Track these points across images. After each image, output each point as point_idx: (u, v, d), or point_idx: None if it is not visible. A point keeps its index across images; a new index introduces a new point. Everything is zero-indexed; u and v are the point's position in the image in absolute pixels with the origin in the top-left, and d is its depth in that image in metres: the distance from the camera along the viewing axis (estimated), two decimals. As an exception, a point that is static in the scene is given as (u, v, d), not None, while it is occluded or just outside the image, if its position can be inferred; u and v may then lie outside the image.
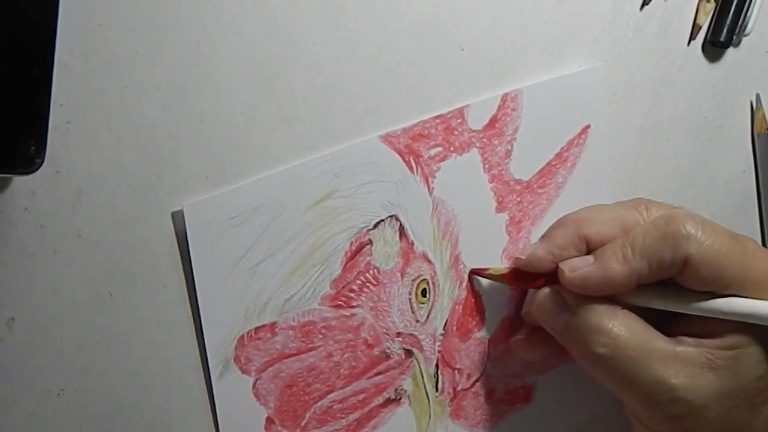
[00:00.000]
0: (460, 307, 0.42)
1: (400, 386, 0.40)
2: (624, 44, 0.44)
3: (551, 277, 0.39)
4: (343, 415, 0.38)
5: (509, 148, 0.43)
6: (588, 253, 0.38)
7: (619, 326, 0.36)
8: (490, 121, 0.42)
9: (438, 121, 0.40)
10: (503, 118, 0.42)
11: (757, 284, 0.36)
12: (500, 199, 0.43)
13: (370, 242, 0.38)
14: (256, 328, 0.35)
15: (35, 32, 0.30)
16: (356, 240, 0.38)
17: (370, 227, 0.38)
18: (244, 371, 0.35)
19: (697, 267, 0.36)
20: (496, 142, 0.42)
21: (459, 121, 0.41)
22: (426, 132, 0.40)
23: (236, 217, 0.35)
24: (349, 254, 0.38)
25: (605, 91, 0.44)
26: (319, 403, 0.37)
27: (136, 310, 0.35)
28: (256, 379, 0.36)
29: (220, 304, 0.35)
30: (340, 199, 0.37)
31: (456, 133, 0.41)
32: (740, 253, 0.36)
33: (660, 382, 0.35)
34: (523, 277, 0.41)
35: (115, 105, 0.34)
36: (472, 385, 0.42)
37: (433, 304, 0.41)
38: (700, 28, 0.46)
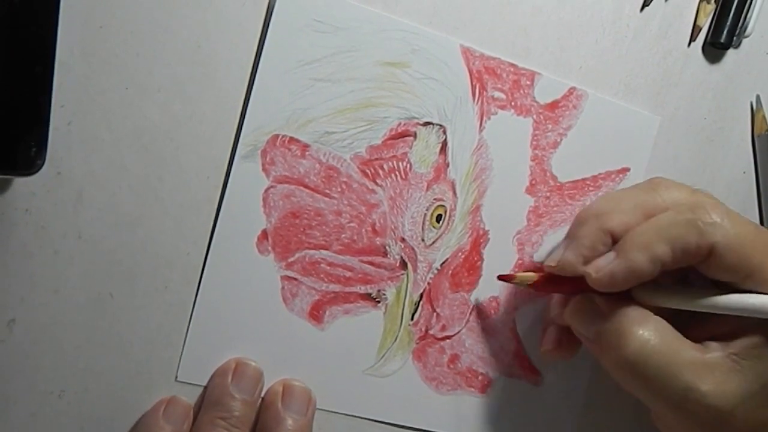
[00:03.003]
0: (462, 256, 0.42)
1: (384, 290, 0.40)
2: (624, 45, 0.44)
3: (578, 281, 0.39)
4: (326, 280, 0.39)
5: (558, 140, 0.43)
6: (615, 243, 0.38)
7: (650, 332, 0.36)
8: (552, 103, 0.43)
9: (511, 69, 0.41)
10: (563, 109, 0.43)
11: None
12: (533, 182, 0.43)
13: (415, 136, 0.39)
14: (291, 138, 0.37)
15: (36, 33, 0.30)
16: (404, 124, 0.39)
17: (420, 122, 0.39)
18: (264, 169, 0.37)
19: (722, 255, 0.36)
20: (550, 126, 0.43)
21: (528, 83, 0.42)
22: (498, 72, 0.41)
23: (320, 23, 0.37)
24: (393, 133, 0.39)
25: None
26: (312, 252, 0.38)
27: (136, 310, 0.35)
28: (271, 186, 0.37)
29: (271, 93, 0.36)
30: (407, 75, 0.39)
31: (521, 92, 0.42)
32: (764, 244, 0.37)
33: (690, 389, 0.35)
34: (551, 283, 0.40)
35: (115, 106, 0.34)
36: (443, 339, 0.42)
37: (441, 235, 0.41)
38: (701, 29, 0.45)
